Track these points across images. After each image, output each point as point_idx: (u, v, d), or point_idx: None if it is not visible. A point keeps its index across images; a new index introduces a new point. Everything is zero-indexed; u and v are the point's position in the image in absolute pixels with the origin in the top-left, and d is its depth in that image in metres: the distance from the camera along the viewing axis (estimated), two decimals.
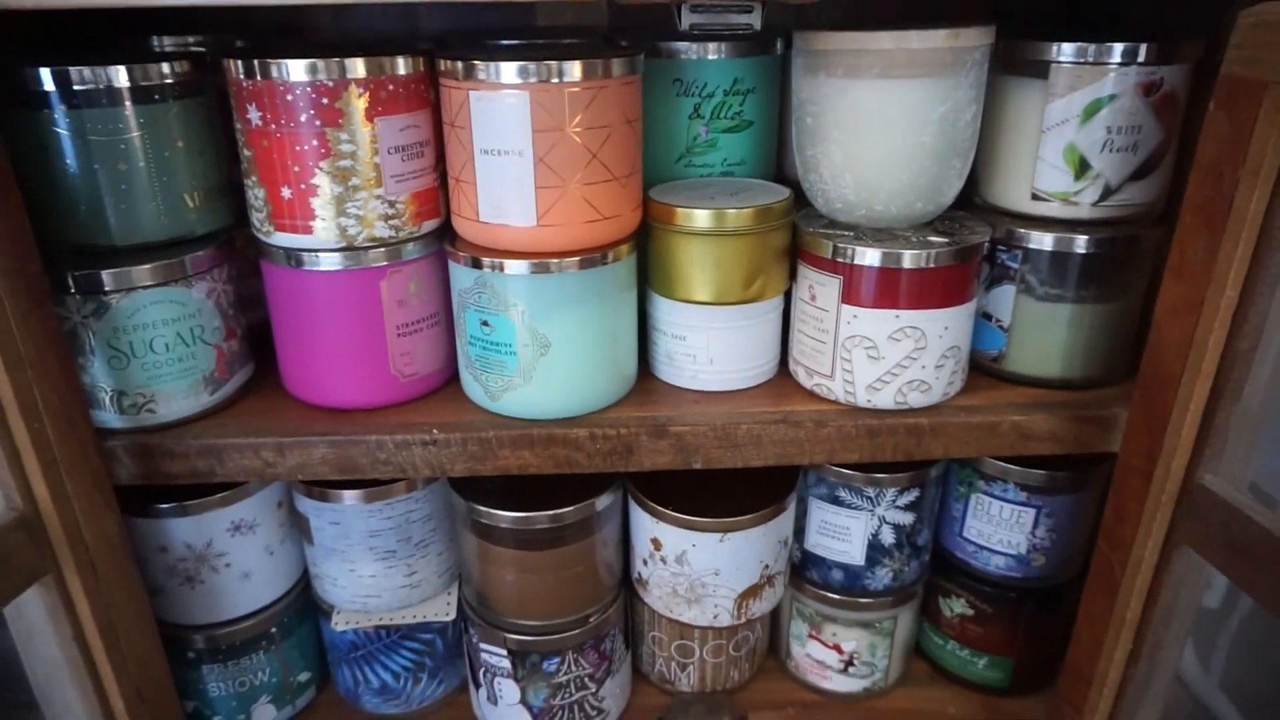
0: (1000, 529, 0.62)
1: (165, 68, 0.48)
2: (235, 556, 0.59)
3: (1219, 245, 0.42)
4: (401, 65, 0.48)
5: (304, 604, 0.65)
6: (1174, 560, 0.49)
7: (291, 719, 0.66)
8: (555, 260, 0.49)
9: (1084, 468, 0.59)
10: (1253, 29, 0.39)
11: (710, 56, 0.56)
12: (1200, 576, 0.52)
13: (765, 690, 0.69)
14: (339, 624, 0.61)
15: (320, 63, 0.45)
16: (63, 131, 0.46)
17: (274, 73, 0.46)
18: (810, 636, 0.66)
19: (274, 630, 0.62)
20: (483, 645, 0.60)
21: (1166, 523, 0.48)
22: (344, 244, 0.49)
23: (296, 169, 0.47)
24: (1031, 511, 0.61)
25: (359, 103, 0.47)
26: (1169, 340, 0.45)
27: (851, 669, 0.66)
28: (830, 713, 0.67)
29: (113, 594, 0.49)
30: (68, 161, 0.47)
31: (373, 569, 0.60)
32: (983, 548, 0.63)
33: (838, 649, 0.66)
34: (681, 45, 0.55)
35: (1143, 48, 0.48)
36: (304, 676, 0.66)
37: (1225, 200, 0.41)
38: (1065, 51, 0.49)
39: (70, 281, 0.47)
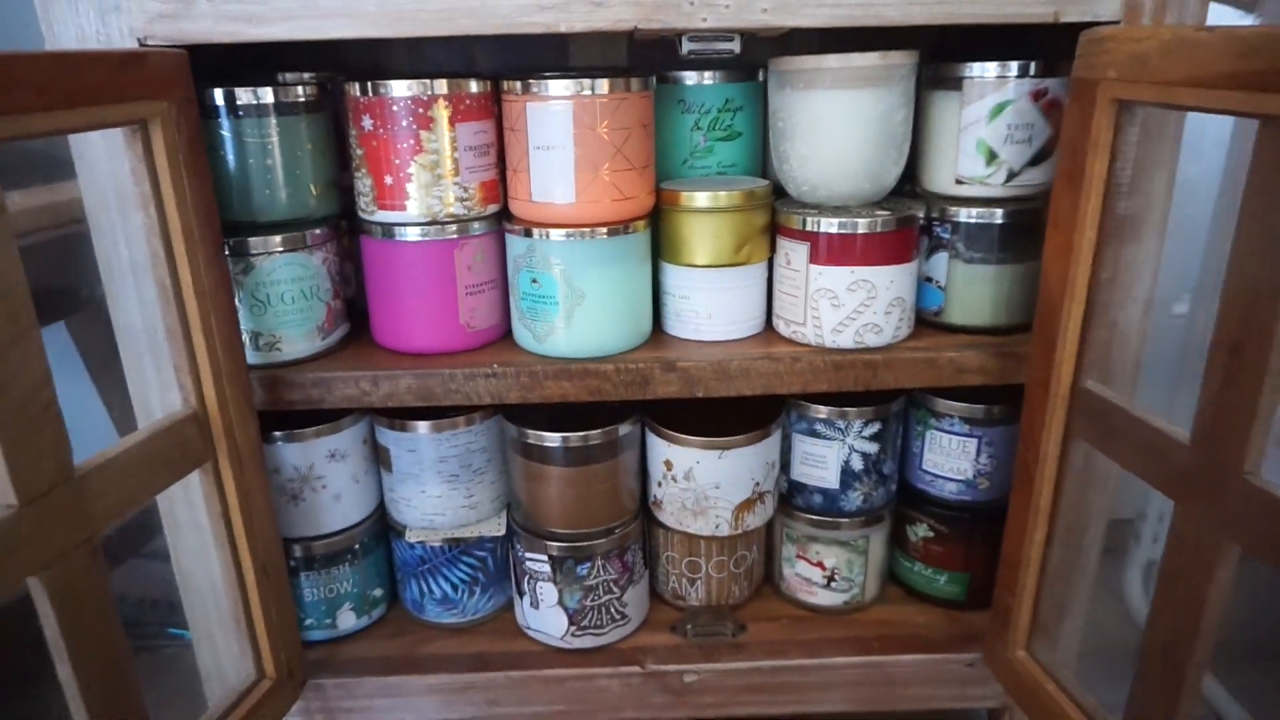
0: (950, 459, 0.76)
1: (299, 89, 0.65)
2: (330, 480, 0.73)
3: (1079, 201, 0.57)
4: (474, 85, 0.64)
5: (379, 530, 0.79)
6: (1071, 452, 0.62)
7: (368, 626, 0.80)
8: (589, 229, 0.64)
9: (1015, 403, 0.73)
10: (1088, 44, 0.55)
11: (707, 82, 0.72)
12: (1098, 468, 0.66)
13: (761, 607, 0.82)
14: (411, 537, 0.75)
15: (417, 82, 0.62)
16: (227, 135, 0.63)
17: (384, 90, 0.62)
18: (798, 556, 0.80)
19: (357, 547, 0.77)
20: (527, 555, 0.74)
21: (1063, 422, 0.62)
22: (429, 219, 0.65)
23: (397, 161, 0.64)
24: (974, 441, 0.74)
25: (444, 112, 0.63)
26: (1052, 277, 0.60)
27: (833, 584, 0.79)
28: (816, 624, 0.80)
29: (251, 485, 0.63)
30: (229, 158, 0.63)
31: (439, 490, 0.74)
32: (938, 477, 0.77)
33: (821, 566, 0.79)
34: (685, 74, 0.72)
35: (1032, 64, 0.64)
36: (378, 592, 0.80)
37: (1080, 168, 0.56)
38: (974, 69, 0.65)
39: (227, 247, 0.63)
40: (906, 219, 0.65)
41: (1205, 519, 0.50)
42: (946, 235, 0.69)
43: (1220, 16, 0.72)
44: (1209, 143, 0.93)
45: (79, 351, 0.89)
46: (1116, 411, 0.57)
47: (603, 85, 0.61)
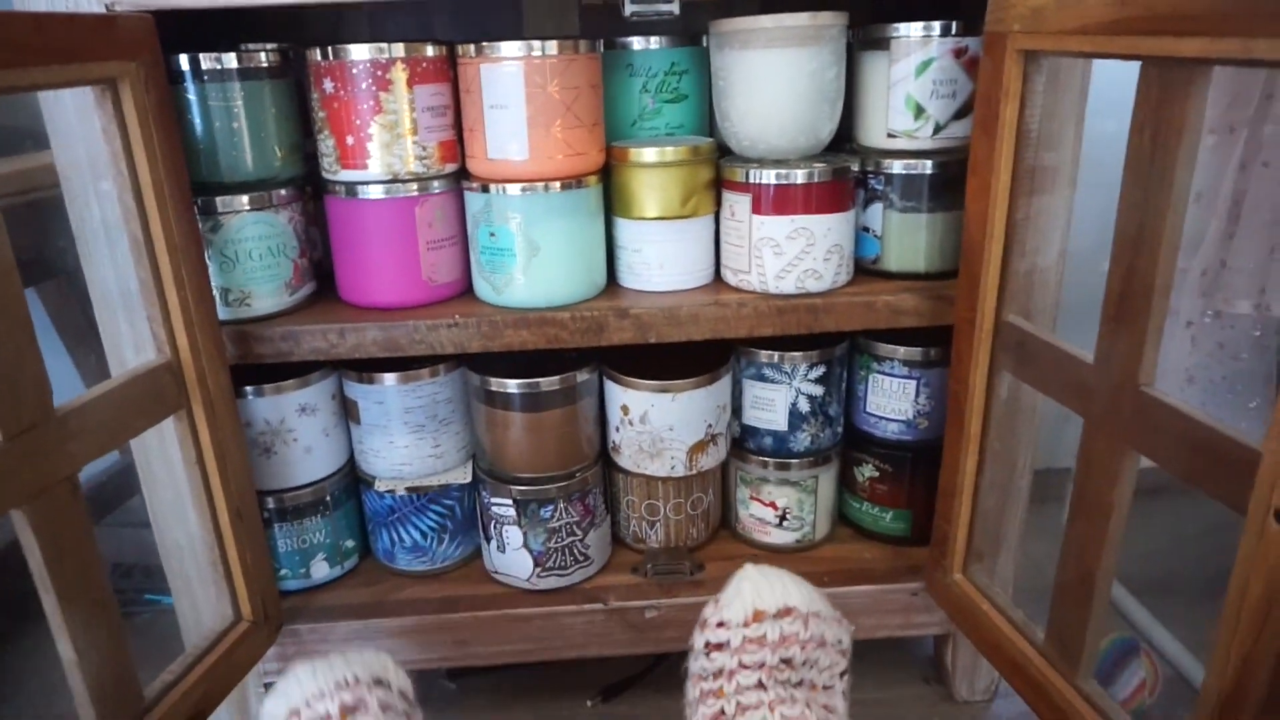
0: (892, 400, 0.80)
1: (262, 55, 0.68)
2: (301, 433, 0.76)
3: (994, 146, 0.61)
4: (430, 49, 0.67)
5: (350, 483, 0.83)
6: (996, 383, 0.67)
7: (340, 576, 0.83)
8: (542, 184, 0.68)
9: (950, 345, 0.78)
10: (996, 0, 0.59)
11: (653, 46, 0.76)
12: (1023, 402, 0.71)
13: (719, 549, 0.87)
14: (380, 487, 0.79)
15: (375, 46, 0.65)
16: (193, 99, 0.66)
17: (344, 54, 0.65)
18: (751, 498, 0.84)
19: (328, 499, 0.80)
20: (492, 500, 0.78)
21: (988, 354, 0.67)
22: (390, 176, 0.68)
23: (358, 122, 0.67)
24: (913, 383, 0.79)
25: (402, 74, 0.66)
26: (973, 219, 0.65)
27: (785, 523, 0.84)
28: (771, 561, 0.84)
29: (224, 431, 0.66)
30: (196, 121, 0.66)
31: (406, 441, 0.78)
32: (881, 418, 0.81)
33: (773, 505, 0.83)
34: (632, 39, 0.75)
35: (953, 24, 0.69)
36: (350, 543, 0.83)
37: (994, 115, 0.61)
38: (901, 29, 0.69)
39: (197, 205, 0.66)
40: (841, 170, 0.70)
41: (1108, 429, 0.54)
42: (880, 187, 0.74)
43: None
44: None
45: (50, 319, 0.92)
46: (1032, 340, 0.62)
47: (552, 46, 0.65)
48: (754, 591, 0.61)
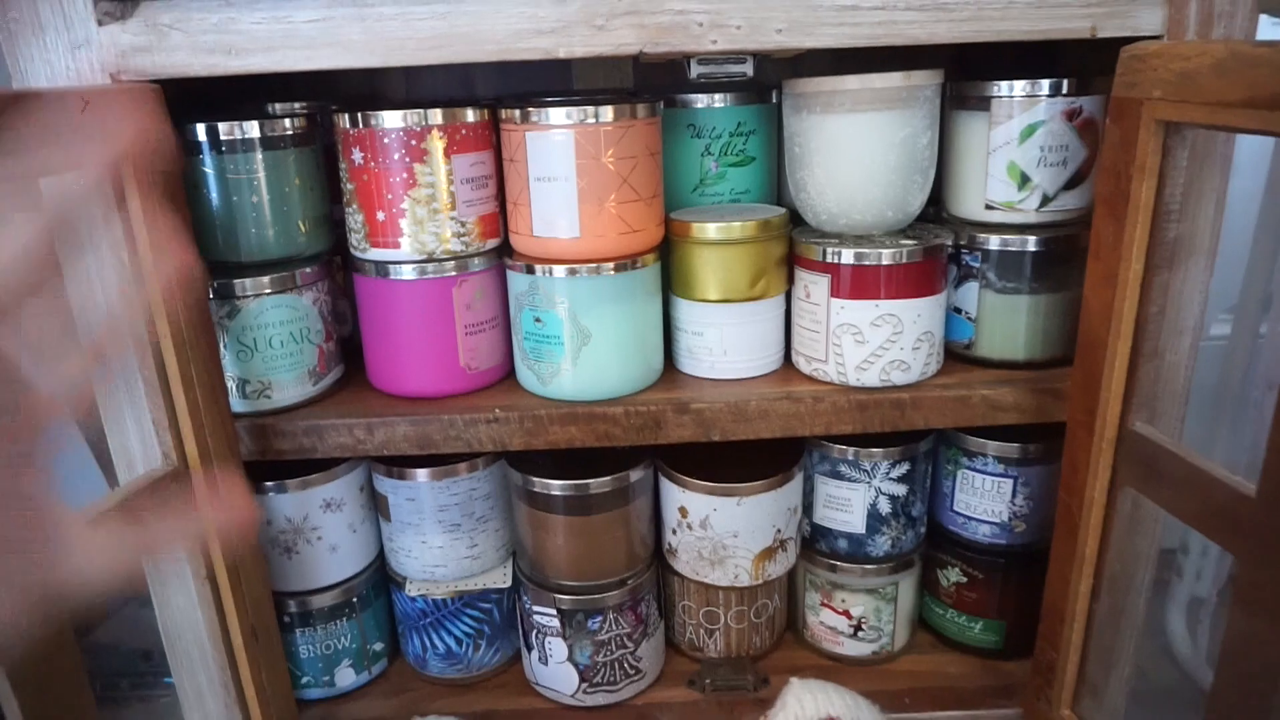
0: (984, 500, 0.71)
1: (286, 122, 0.61)
2: (326, 530, 0.69)
3: (1123, 229, 0.52)
4: (470, 114, 0.60)
5: (379, 580, 0.75)
6: (1118, 499, 0.58)
7: (368, 683, 0.75)
8: (594, 265, 0.60)
9: (1053, 440, 0.68)
10: (1129, 60, 0.50)
11: (717, 104, 0.68)
12: (1146, 512, 0.61)
13: (785, 657, 0.78)
14: (412, 590, 0.71)
15: (409, 113, 0.58)
16: (209, 171, 0.59)
17: (374, 122, 0.59)
18: (823, 604, 0.75)
19: (355, 600, 0.72)
20: (535, 608, 0.70)
21: (1109, 466, 0.57)
22: (425, 256, 0.61)
23: (389, 196, 0.60)
24: (1010, 481, 0.70)
25: (439, 144, 0.59)
26: (1094, 310, 0.56)
27: (860, 633, 0.74)
28: (843, 675, 0.75)
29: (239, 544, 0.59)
30: (212, 195, 0.60)
31: (440, 540, 0.70)
32: (970, 518, 0.72)
33: (847, 614, 0.74)
34: (694, 96, 0.68)
35: (1065, 82, 0.60)
36: (379, 646, 0.76)
37: (1123, 193, 0.52)
38: (1004, 88, 0.61)
39: (211, 289, 0.60)
40: (934, 248, 0.61)
41: (1276, 581, 0.45)
42: (976, 264, 0.65)
43: (1271, 31, 0.68)
44: (1248, 157, 0.89)
45: None
46: (1169, 457, 0.52)
47: (607, 112, 0.58)
48: (797, 703, 0.64)
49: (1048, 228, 0.63)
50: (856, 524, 0.71)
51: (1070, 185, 0.62)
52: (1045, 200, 0.62)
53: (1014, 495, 0.70)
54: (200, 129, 0.59)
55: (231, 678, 0.62)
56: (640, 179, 0.60)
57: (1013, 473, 0.69)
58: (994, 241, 0.64)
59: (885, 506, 0.70)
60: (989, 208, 0.64)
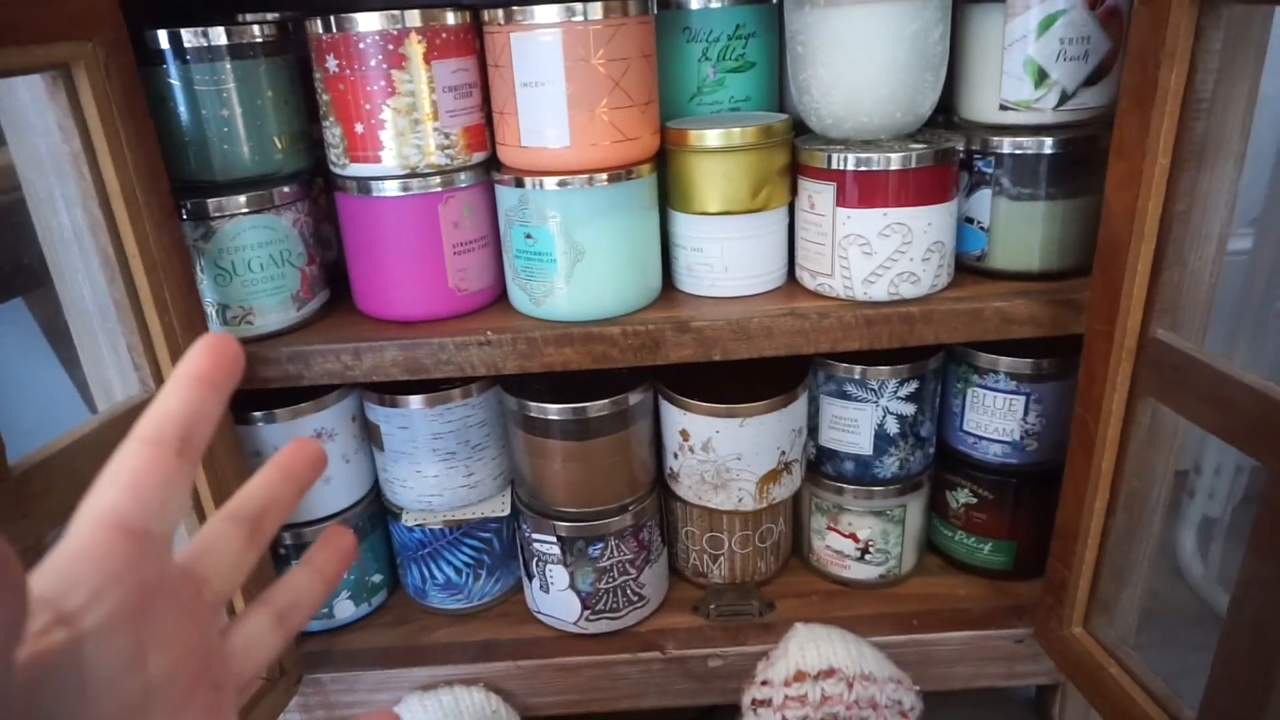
0: (995, 418, 0.69)
1: (255, 29, 0.58)
2: None
3: (1150, 120, 0.49)
4: (450, 16, 0.56)
5: (376, 511, 0.74)
6: (1138, 410, 0.55)
7: (367, 615, 0.74)
8: (587, 176, 0.57)
9: (1066, 355, 0.66)
10: None
11: (714, 5, 0.64)
12: (1165, 427, 0.59)
13: (790, 582, 0.76)
14: (409, 521, 0.70)
15: (385, 15, 0.55)
16: (175, 83, 0.56)
17: (348, 25, 0.55)
18: (829, 528, 0.73)
19: (352, 531, 0.71)
20: (534, 536, 0.68)
21: (1129, 377, 0.55)
22: (407, 170, 0.58)
23: (368, 107, 0.56)
24: (1021, 399, 0.67)
25: (418, 48, 0.56)
26: (1116, 212, 0.52)
27: (868, 556, 0.73)
28: (850, 599, 0.74)
29: (224, 473, 0.58)
30: (180, 109, 0.57)
31: (436, 470, 0.68)
32: (981, 438, 0.70)
33: (854, 537, 0.73)
34: None
35: None
36: (378, 577, 0.74)
37: (1151, 82, 0.48)
38: None
39: (184, 210, 0.56)
40: (945, 152, 0.58)
41: None
42: (989, 169, 0.61)
43: None
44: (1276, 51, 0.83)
45: (41, 329, 0.84)
46: (1194, 365, 0.50)
47: (596, 9, 0.54)
48: (799, 651, 0.63)
49: (1066, 128, 0.60)
50: (863, 445, 0.69)
51: (1091, 81, 0.58)
52: (1064, 98, 0.59)
53: (1026, 413, 0.68)
54: (163, 36, 0.55)
55: (227, 611, 0.60)
56: (633, 83, 0.57)
57: (1025, 389, 0.67)
58: (1008, 144, 0.60)
59: (893, 427, 0.68)
60: (1003, 108, 0.60)
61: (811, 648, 0.63)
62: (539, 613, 0.72)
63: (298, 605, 0.33)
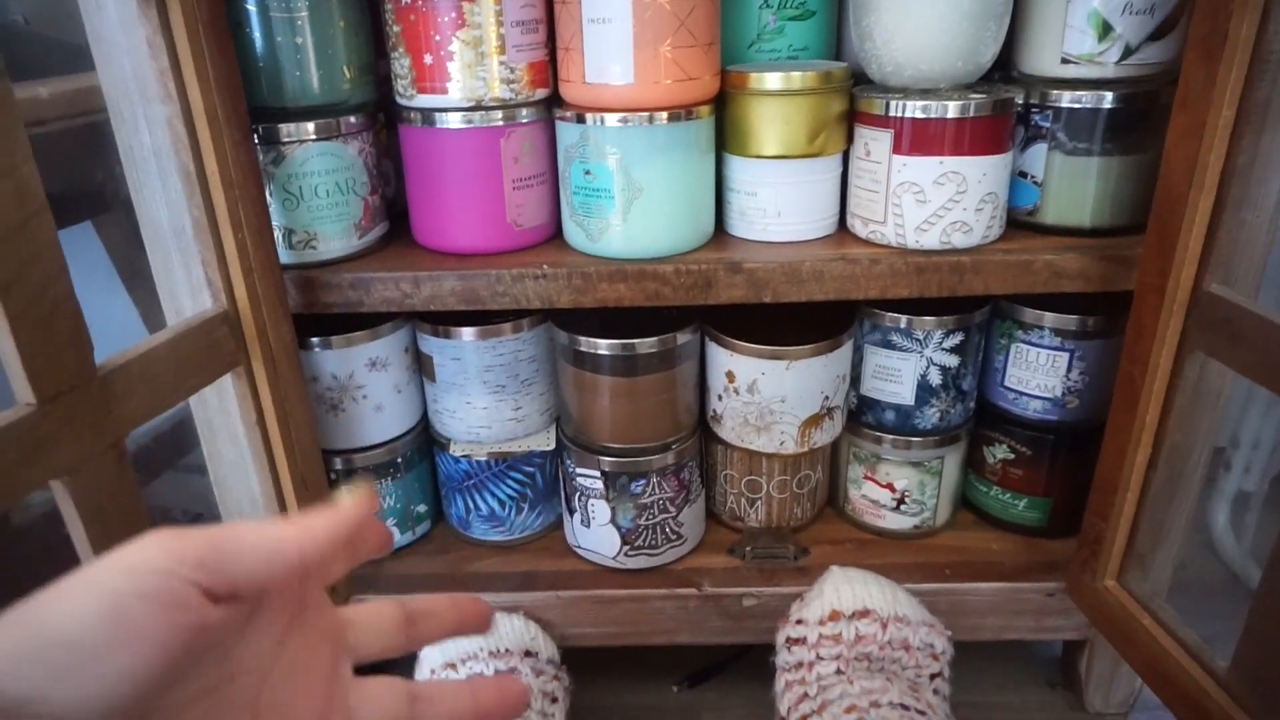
0: (1037, 374, 0.69)
1: None
2: (371, 389, 0.69)
3: (1217, 71, 0.49)
4: None
5: (423, 443, 0.76)
6: (1186, 365, 0.56)
7: (411, 543, 0.77)
8: (648, 114, 0.58)
9: (1112, 314, 0.66)
10: None
11: None
12: (1211, 386, 0.59)
13: (824, 529, 0.78)
14: (456, 451, 0.72)
15: None
16: (252, 9, 0.57)
17: None
18: (866, 478, 0.75)
19: (399, 460, 0.73)
20: (578, 470, 0.70)
21: (1179, 331, 0.55)
22: (473, 103, 0.59)
23: (437, 38, 0.58)
24: (1065, 355, 0.68)
25: None
26: (1176, 164, 0.53)
27: (903, 506, 0.74)
28: (883, 548, 0.75)
29: (287, 390, 0.60)
30: (255, 36, 0.58)
31: (485, 402, 0.70)
32: (1022, 394, 0.71)
33: (890, 487, 0.74)
34: None
35: None
36: (421, 508, 0.77)
37: (1222, 32, 0.48)
38: None
39: (256, 134, 0.58)
40: (1003, 102, 0.58)
41: None
42: (1046, 123, 0.62)
43: None
44: None
45: (108, 253, 0.86)
46: (1248, 318, 0.50)
47: None
48: (834, 592, 0.65)
49: (1127, 83, 0.60)
50: (906, 395, 0.70)
51: (1156, 36, 0.58)
52: (1127, 52, 0.59)
53: (1069, 370, 0.68)
54: None
55: None
56: (698, 23, 0.57)
57: (1069, 346, 0.67)
58: (1067, 98, 0.60)
59: (936, 378, 0.69)
60: (1065, 61, 0.60)
61: (847, 589, 0.65)
62: (579, 547, 0.74)
63: (433, 699, 0.35)
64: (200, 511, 0.96)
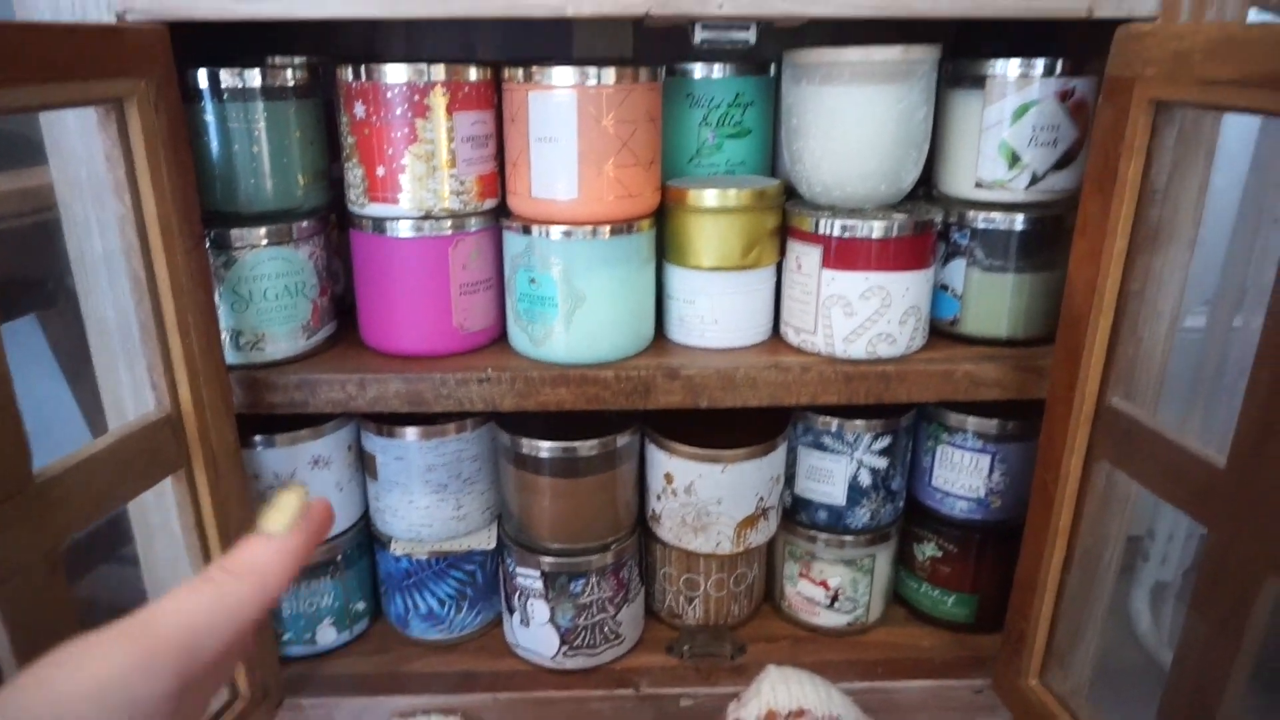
0: (962, 475, 0.73)
1: (288, 73, 0.61)
2: (313, 487, 0.69)
3: (1109, 206, 0.54)
4: (473, 72, 0.61)
5: (363, 540, 0.75)
6: (1094, 472, 0.59)
7: (349, 642, 0.76)
8: (591, 228, 0.61)
9: (1030, 418, 0.70)
10: (1124, 40, 0.52)
11: (716, 75, 0.69)
12: (1118, 490, 0.63)
13: (762, 626, 0.79)
14: (397, 550, 0.72)
15: (414, 67, 0.59)
16: (210, 120, 0.59)
17: (378, 75, 0.59)
18: (801, 575, 0.76)
19: (339, 558, 0.73)
20: (519, 569, 0.71)
21: (1086, 441, 0.59)
22: (423, 213, 0.62)
23: (390, 151, 0.60)
24: (988, 457, 0.71)
25: (441, 100, 0.60)
26: (1078, 287, 0.57)
27: (837, 604, 0.76)
28: (818, 645, 0.77)
29: (227, 493, 0.59)
30: (212, 144, 0.60)
31: (427, 501, 0.70)
32: (948, 494, 0.74)
33: (824, 585, 0.75)
34: (694, 65, 0.69)
35: (1059, 63, 0.61)
36: (360, 605, 0.76)
37: (1112, 171, 0.53)
38: (998, 67, 0.62)
39: (209, 239, 0.59)
40: (924, 223, 0.62)
41: (1243, 550, 0.47)
42: (964, 241, 0.66)
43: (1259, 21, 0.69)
44: (1229, 151, 0.91)
45: (51, 347, 0.85)
46: (1144, 432, 0.54)
47: (609, 74, 0.58)
48: (771, 691, 0.63)
49: (1035, 207, 0.65)
50: (838, 495, 0.72)
51: (1059, 166, 0.63)
52: (1034, 180, 0.64)
53: (991, 471, 0.72)
54: (202, 75, 0.58)
55: None
56: (639, 144, 0.61)
57: (991, 448, 0.71)
58: (982, 219, 0.65)
59: (866, 479, 0.72)
60: (979, 186, 0.65)
61: (783, 688, 0.66)
62: (517, 646, 0.74)
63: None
64: (131, 605, 0.93)
